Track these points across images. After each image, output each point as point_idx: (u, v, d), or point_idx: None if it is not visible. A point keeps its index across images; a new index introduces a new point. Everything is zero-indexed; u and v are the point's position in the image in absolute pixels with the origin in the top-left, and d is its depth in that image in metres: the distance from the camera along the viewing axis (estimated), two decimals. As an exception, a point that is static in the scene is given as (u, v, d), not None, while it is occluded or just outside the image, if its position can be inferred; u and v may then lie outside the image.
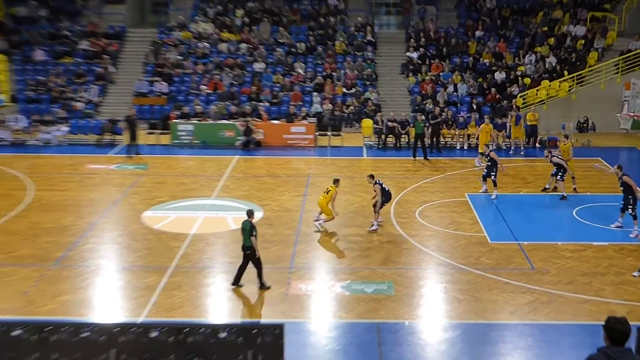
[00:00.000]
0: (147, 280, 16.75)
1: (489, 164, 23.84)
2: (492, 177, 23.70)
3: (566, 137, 24.10)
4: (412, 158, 28.95)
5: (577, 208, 22.78)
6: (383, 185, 20.09)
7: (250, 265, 16.29)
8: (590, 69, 35.47)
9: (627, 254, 18.92)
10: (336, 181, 20.28)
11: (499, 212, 22.53)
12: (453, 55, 37.57)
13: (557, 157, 23.70)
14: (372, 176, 20.20)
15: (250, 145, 31.19)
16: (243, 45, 38.23)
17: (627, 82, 32.69)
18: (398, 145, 31.48)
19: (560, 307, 15.77)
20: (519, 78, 35.73)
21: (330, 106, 34.31)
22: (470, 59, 37.03)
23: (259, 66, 37.17)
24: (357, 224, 21.25)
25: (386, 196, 20.09)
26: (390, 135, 31.73)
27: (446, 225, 21.21)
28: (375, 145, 31.76)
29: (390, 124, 31.34)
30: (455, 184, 25.53)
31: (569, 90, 34.88)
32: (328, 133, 32.33)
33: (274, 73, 36.99)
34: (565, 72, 35.45)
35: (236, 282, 16.41)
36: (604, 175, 26.70)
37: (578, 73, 34.87)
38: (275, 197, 23.79)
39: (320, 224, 20.13)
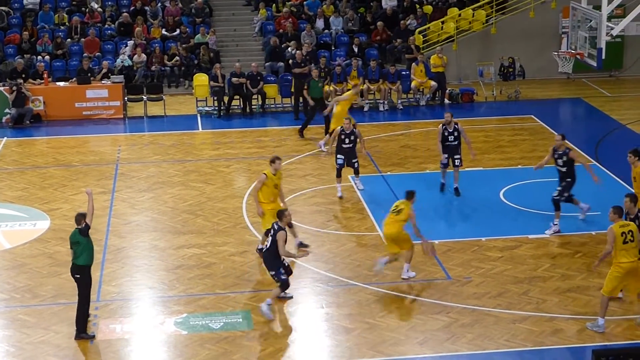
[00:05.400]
0: None
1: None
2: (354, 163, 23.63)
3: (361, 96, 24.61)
4: (298, 135, 28.64)
5: (506, 187, 23.63)
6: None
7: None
8: (514, -11, 36.72)
9: (576, 249, 19.79)
10: (409, 196, 18.53)
11: (396, 199, 22.96)
12: (321, -25, 37.98)
13: None
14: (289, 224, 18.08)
15: (26, 121, 30.52)
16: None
17: (566, 7, 33.67)
18: (248, 110, 31.56)
19: (489, 330, 16.29)
20: (417, 6, 36.54)
21: (143, 57, 33.95)
22: (346, -20, 37.54)
23: (31, 0, 36.29)
24: (193, 229, 21.20)
25: None
26: (236, 97, 31.76)
27: (323, 223, 21.46)
28: (214, 112, 31.73)
29: (235, 79, 31.32)
30: (334, 163, 25.87)
31: (487, 22, 35.99)
32: (143, 97, 32.01)
33: (54, 10, 36.19)
34: (481, -5, 36.58)
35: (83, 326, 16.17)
36: (538, 139, 27.80)
37: (498, -4, 36.05)
38: (67, 198, 23.41)
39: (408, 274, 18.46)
